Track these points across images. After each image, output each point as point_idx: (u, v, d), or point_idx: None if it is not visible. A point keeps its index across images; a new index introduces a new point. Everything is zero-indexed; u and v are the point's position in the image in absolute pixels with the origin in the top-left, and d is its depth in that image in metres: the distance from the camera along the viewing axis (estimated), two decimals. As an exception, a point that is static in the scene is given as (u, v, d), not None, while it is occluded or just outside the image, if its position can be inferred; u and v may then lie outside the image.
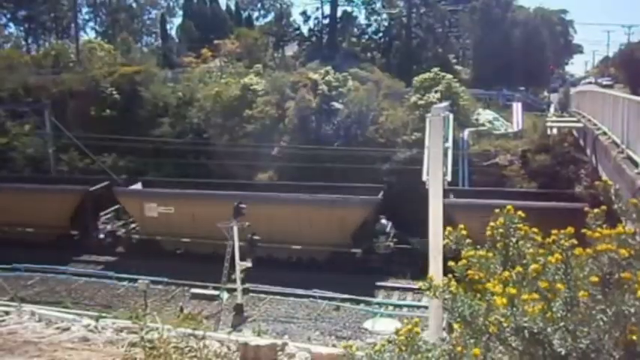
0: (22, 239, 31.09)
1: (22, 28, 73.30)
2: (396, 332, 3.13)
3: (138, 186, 33.44)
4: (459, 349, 2.89)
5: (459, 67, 56.26)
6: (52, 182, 35.29)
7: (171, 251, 30.49)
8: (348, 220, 27.84)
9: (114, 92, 42.88)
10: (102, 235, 32.29)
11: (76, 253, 31.43)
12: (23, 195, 32.67)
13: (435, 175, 10.88)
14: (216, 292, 25.50)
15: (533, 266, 2.84)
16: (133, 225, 32.49)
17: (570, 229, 2.94)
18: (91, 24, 78.18)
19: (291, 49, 64.13)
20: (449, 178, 12.69)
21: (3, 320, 11.05)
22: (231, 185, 31.13)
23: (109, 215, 32.86)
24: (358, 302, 24.68)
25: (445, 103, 22.72)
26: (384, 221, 28.97)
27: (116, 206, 32.95)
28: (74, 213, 32.25)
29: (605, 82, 62.76)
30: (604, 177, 15.61)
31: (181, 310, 23.45)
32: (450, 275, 3.16)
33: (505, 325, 2.64)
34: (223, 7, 77.95)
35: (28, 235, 31.62)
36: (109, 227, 32.64)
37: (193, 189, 31.87)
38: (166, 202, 30.74)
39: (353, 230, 28.03)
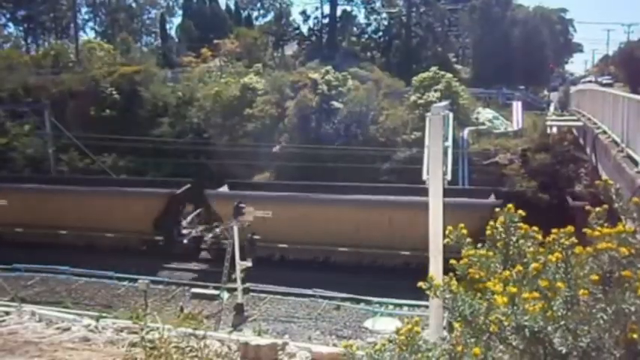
0: (100, 245, 30.27)
1: (21, 28, 73.42)
2: (397, 332, 3.13)
3: (224, 189, 31.47)
4: (459, 348, 2.89)
5: (458, 66, 56.36)
6: (127, 185, 33.47)
7: (267, 258, 27.94)
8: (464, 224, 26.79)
9: (113, 92, 42.92)
10: (185, 241, 30.59)
11: (164, 259, 29.89)
12: (103, 199, 31.35)
13: (434, 174, 10.87)
14: (216, 292, 25.48)
15: (533, 265, 2.84)
16: (217, 230, 30.34)
17: (570, 228, 2.94)
18: (91, 24, 78.44)
19: (290, 49, 64.14)
20: (449, 177, 12.67)
21: (3, 320, 11.04)
22: (332, 188, 29.22)
23: (189, 219, 31.55)
24: (358, 301, 24.67)
25: (445, 102, 22.68)
26: None
27: (197, 210, 31.76)
28: (158, 217, 30.64)
29: (604, 81, 62.74)
30: (604, 176, 15.62)
31: (182, 309, 23.43)
32: (451, 274, 3.16)
33: (506, 324, 2.64)
34: (223, 7, 78.17)
35: (109, 240, 30.59)
36: (192, 232, 31.07)
37: (285, 191, 29.59)
38: (265, 205, 28.34)
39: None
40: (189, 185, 31.63)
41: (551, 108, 41.63)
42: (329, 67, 40.53)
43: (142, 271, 26.86)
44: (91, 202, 31.01)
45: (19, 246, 30.41)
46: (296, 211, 27.82)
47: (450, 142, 13.88)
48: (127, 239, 30.60)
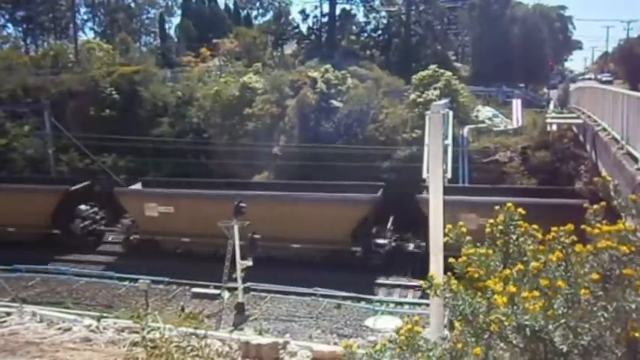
0: (281, 257, 27.11)
1: (20, 29, 73.38)
2: (397, 331, 3.12)
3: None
4: (460, 346, 2.89)
5: (458, 64, 56.27)
6: (323, 189, 29.42)
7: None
8: None
9: (113, 92, 42.86)
10: (381, 251, 27.93)
11: (362, 273, 26.57)
12: (290, 206, 27.78)
13: (435, 172, 10.87)
14: (217, 292, 25.47)
15: (533, 264, 2.83)
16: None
17: (570, 226, 2.94)
18: (90, 24, 78.48)
19: (290, 48, 64.04)
20: (449, 175, 12.70)
21: (4, 321, 11.05)
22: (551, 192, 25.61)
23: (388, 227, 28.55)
24: (359, 300, 24.68)
25: (445, 101, 22.69)
26: None
27: (391, 217, 28.75)
28: (357, 227, 27.65)
29: (604, 78, 62.73)
30: (604, 173, 15.60)
31: (182, 309, 23.46)
32: (450, 273, 3.15)
33: (507, 323, 2.64)
34: (222, 6, 78.21)
35: (293, 252, 27.67)
36: (383, 242, 28.24)
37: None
38: (490, 213, 24.86)
39: None
40: (382, 189, 28.47)
41: (551, 105, 41.59)
42: (328, 66, 40.43)
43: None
44: (276, 210, 27.31)
45: (183, 256, 29.03)
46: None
47: (449, 141, 13.90)
48: (315, 250, 27.72)
